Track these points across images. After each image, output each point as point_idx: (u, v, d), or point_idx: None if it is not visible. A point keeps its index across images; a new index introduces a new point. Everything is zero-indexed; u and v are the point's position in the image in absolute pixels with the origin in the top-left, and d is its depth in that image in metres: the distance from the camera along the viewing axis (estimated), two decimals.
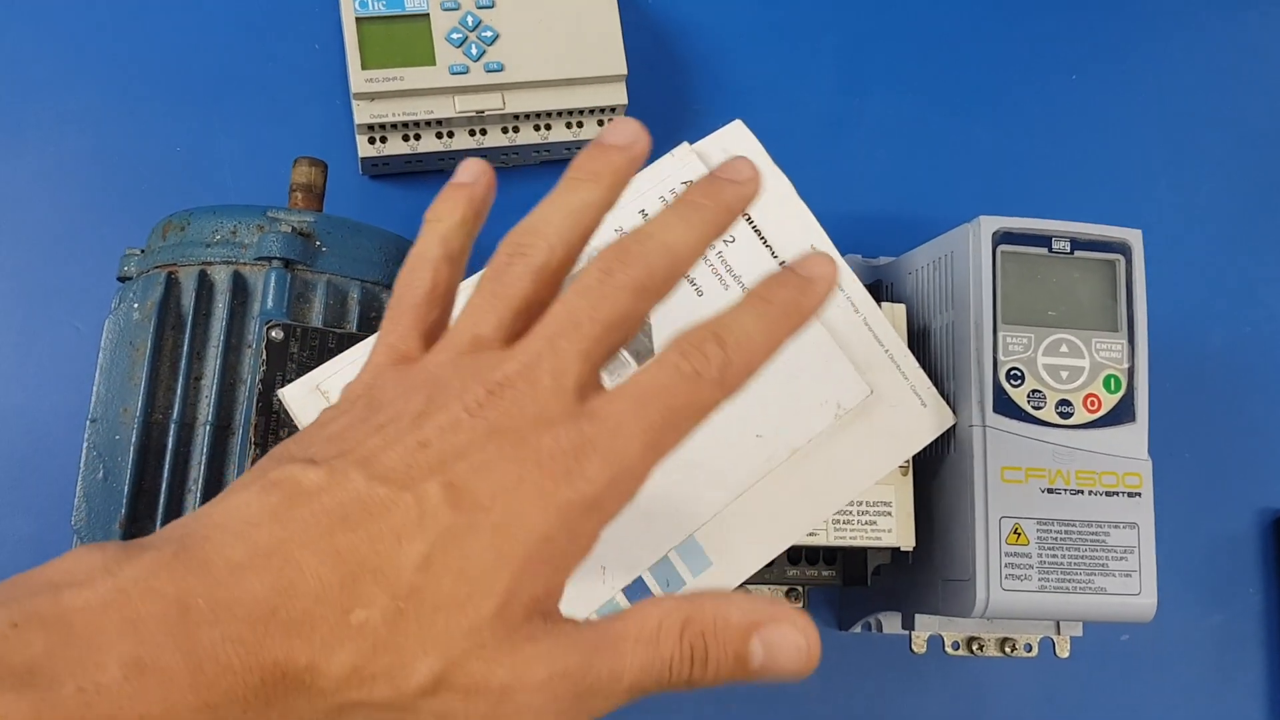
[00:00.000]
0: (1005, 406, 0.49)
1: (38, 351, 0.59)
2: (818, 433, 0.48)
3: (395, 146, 0.60)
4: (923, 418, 0.49)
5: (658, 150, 0.51)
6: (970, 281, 0.50)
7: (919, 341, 0.53)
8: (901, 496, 0.50)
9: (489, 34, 0.60)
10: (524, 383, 0.26)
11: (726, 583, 0.47)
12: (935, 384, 0.50)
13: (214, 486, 0.46)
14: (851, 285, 0.50)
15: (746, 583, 0.48)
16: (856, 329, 0.50)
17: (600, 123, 0.61)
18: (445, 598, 0.24)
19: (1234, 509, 0.67)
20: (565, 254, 0.29)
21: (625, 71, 0.60)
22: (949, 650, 0.53)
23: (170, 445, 0.46)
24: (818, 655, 0.26)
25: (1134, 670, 0.64)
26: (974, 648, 0.53)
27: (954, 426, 0.50)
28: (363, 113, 0.59)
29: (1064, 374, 0.49)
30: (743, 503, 0.47)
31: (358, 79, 0.58)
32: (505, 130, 0.61)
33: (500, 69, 0.59)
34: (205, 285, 0.48)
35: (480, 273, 0.30)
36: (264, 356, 0.46)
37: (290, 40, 0.64)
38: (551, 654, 0.25)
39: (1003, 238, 0.50)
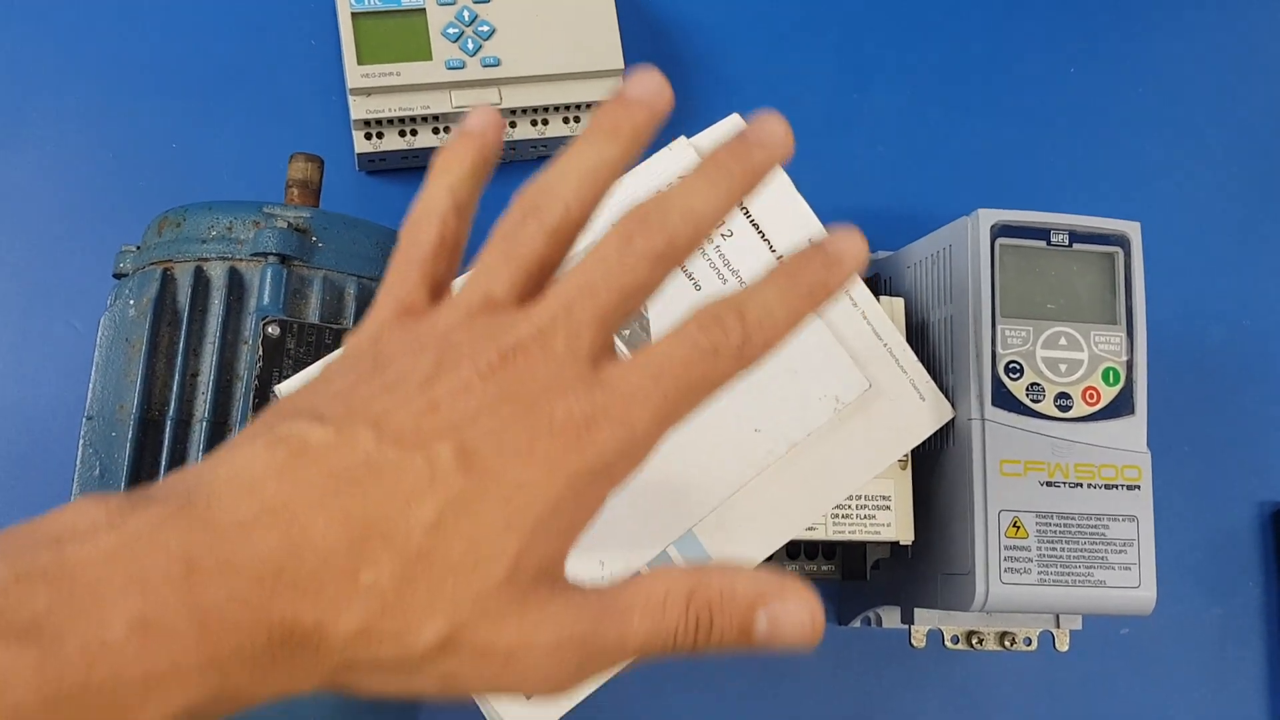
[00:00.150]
0: (1004, 400, 0.49)
1: (34, 348, 0.59)
2: (816, 427, 0.48)
3: (392, 142, 0.60)
4: (921, 412, 0.49)
5: (654, 145, 0.51)
6: (969, 275, 0.50)
7: (917, 335, 0.53)
8: (900, 490, 0.50)
9: (485, 29, 0.59)
10: (537, 348, 0.26)
11: None
12: (934, 378, 0.50)
13: None
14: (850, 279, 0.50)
15: None
16: (855, 323, 0.50)
17: None
18: (454, 561, 0.24)
19: (1233, 502, 0.67)
20: (580, 213, 0.28)
21: (622, 66, 0.60)
22: (948, 644, 0.52)
23: (167, 442, 0.46)
24: (822, 629, 0.26)
25: (1133, 663, 0.64)
26: (973, 642, 0.52)
27: (953, 420, 0.50)
28: (359, 108, 0.58)
29: (1063, 367, 0.49)
30: (741, 497, 0.47)
31: (354, 74, 0.58)
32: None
33: (497, 64, 0.59)
34: (201, 281, 0.48)
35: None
36: (260, 352, 0.46)
37: (286, 36, 0.64)
38: (559, 619, 0.25)
39: (1001, 231, 0.50)
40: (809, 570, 0.54)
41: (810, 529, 0.49)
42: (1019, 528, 0.47)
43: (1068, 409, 0.49)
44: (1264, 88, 0.72)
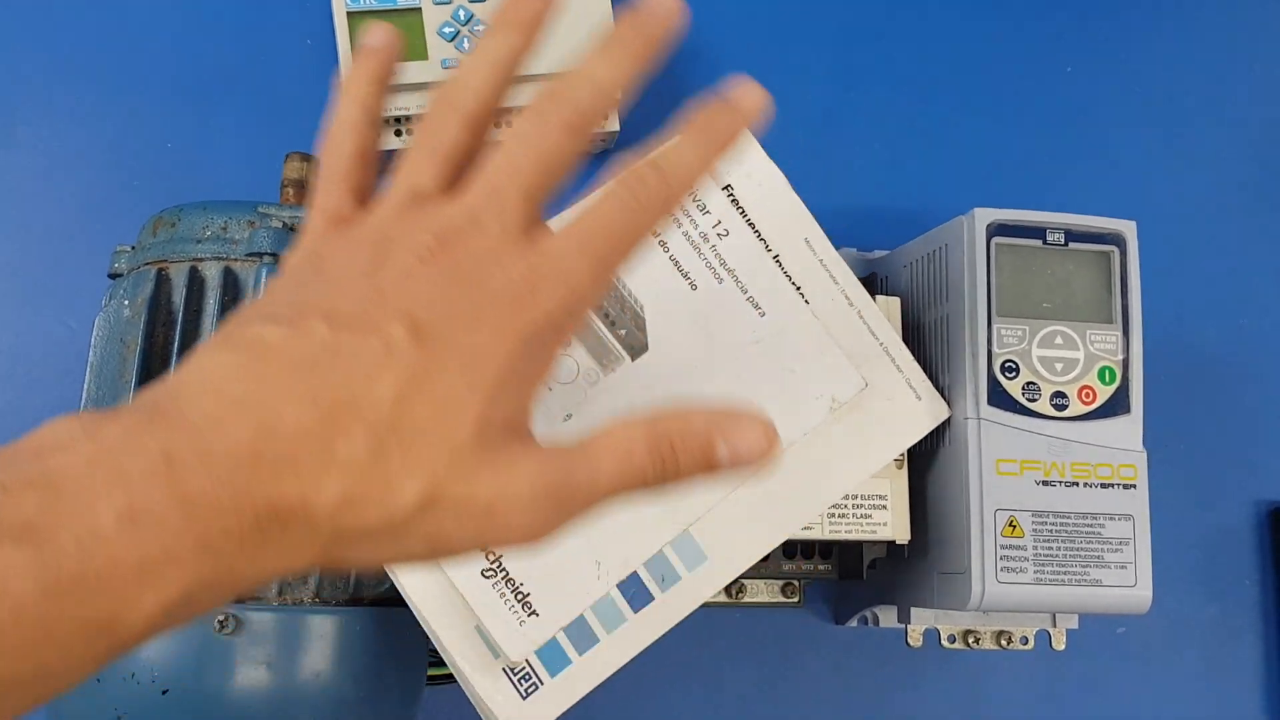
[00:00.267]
0: (1000, 399, 0.49)
1: (29, 349, 0.58)
2: (813, 427, 0.47)
3: (387, 142, 0.60)
4: (917, 411, 0.49)
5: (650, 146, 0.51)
6: (964, 274, 0.50)
7: (913, 335, 0.53)
8: (897, 490, 0.50)
9: (481, 28, 0.59)
10: (470, 228, 0.27)
11: (721, 577, 0.47)
12: (930, 377, 0.50)
13: None
14: (846, 278, 0.50)
15: (741, 577, 0.48)
16: (851, 322, 0.50)
17: None
18: (423, 426, 0.25)
19: (1229, 501, 0.67)
20: (492, 99, 0.30)
21: None
22: (945, 643, 0.53)
23: None
24: (777, 446, 0.27)
25: (1130, 662, 0.64)
26: (970, 641, 0.53)
27: (949, 419, 0.50)
28: None
29: (1059, 366, 0.49)
30: (738, 497, 0.47)
31: None
32: (498, 125, 0.60)
33: None
34: (196, 281, 0.48)
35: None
36: None
37: (282, 35, 0.64)
38: (531, 470, 0.27)
39: (997, 230, 0.50)
40: (805, 570, 0.54)
41: (806, 528, 0.49)
42: (1015, 527, 0.47)
43: (1064, 408, 0.49)
44: (1260, 87, 0.72)
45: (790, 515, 0.48)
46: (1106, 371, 0.49)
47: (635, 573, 0.46)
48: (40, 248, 0.60)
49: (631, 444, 0.27)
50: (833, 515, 0.49)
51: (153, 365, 0.47)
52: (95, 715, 0.42)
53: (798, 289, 0.49)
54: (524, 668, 0.45)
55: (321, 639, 0.44)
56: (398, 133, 0.60)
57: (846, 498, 0.49)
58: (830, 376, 0.48)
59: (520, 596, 0.44)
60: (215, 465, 0.24)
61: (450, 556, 0.27)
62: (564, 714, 0.45)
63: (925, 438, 0.50)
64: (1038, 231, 0.50)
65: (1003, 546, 0.47)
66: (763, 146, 0.51)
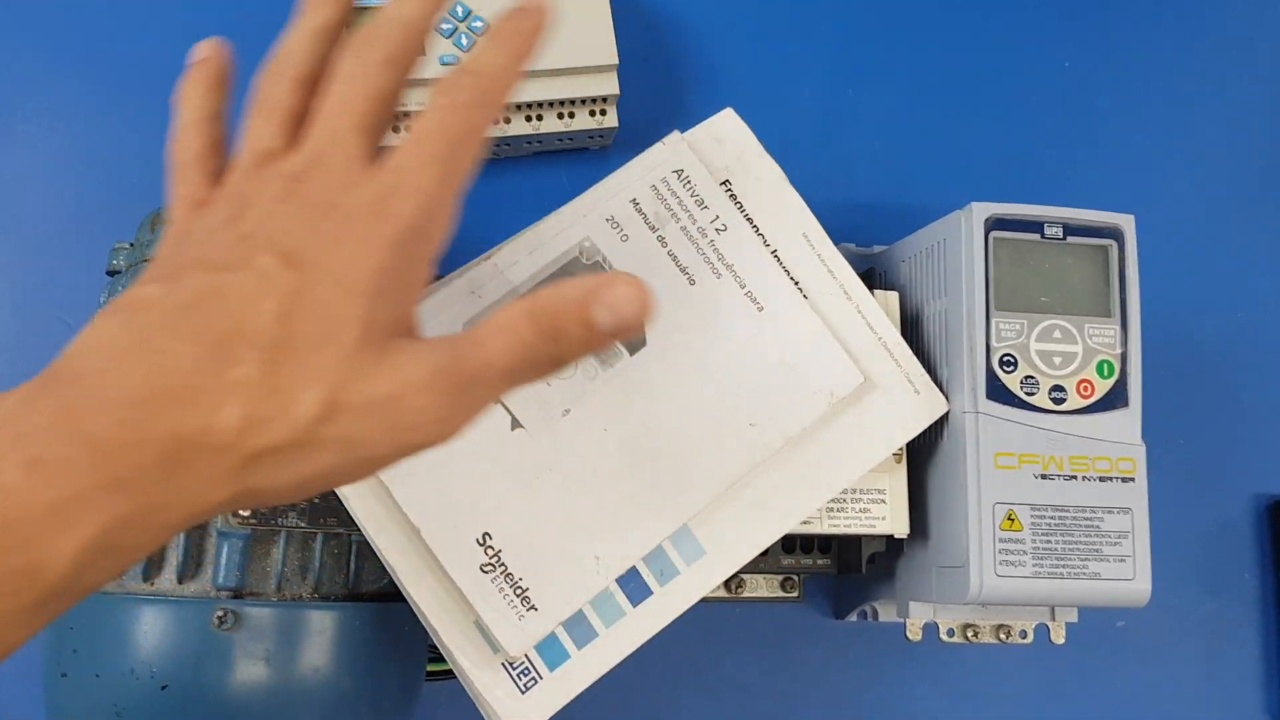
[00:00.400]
0: (998, 393, 0.49)
1: (26, 347, 0.59)
2: (811, 421, 0.48)
3: (387, 140, 0.59)
4: (916, 405, 0.49)
5: (649, 139, 0.51)
6: (963, 268, 0.50)
7: (912, 329, 0.53)
8: (895, 484, 0.50)
9: (479, 24, 0.59)
10: (317, 166, 0.29)
11: (720, 571, 0.47)
12: (928, 371, 0.50)
13: None
14: (844, 273, 0.50)
15: (740, 571, 0.48)
16: (849, 317, 0.50)
17: (591, 113, 0.61)
18: (310, 338, 0.27)
19: (1228, 494, 0.67)
20: (317, 66, 0.33)
21: (617, 61, 0.60)
22: (944, 637, 0.53)
23: None
24: (652, 300, 0.28)
25: (1129, 656, 0.64)
26: (969, 635, 0.53)
27: (947, 413, 0.50)
28: None
29: (1057, 360, 0.49)
30: (736, 491, 0.47)
31: None
32: (496, 121, 0.60)
33: None
34: None
35: None
36: None
37: (279, 32, 0.64)
38: (423, 356, 0.28)
39: (995, 224, 0.50)
40: (804, 565, 0.54)
41: (805, 523, 0.49)
42: (1014, 520, 0.47)
43: (1062, 402, 0.49)
44: (1258, 80, 0.72)
45: (789, 510, 0.48)
46: (1105, 365, 0.49)
47: (634, 567, 0.46)
48: (38, 244, 0.60)
49: (514, 322, 0.28)
50: (831, 510, 0.49)
51: None
52: (94, 712, 0.42)
53: (796, 284, 0.49)
54: (523, 662, 0.45)
55: (320, 634, 0.44)
56: (395, 129, 0.60)
57: (845, 492, 0.50)
58: (829, 371, 0.48)
59: (519, 591, 0.44)
60: (114, 408, 0.25)
61: (371, 463, 0.28)
62: (566, 714, 0.45)
63: (924, 432, 0.50)
64: (1036, 225, 0.50)
65: (1001, 540, 0.47)
66: (761, 142, 0.51)
